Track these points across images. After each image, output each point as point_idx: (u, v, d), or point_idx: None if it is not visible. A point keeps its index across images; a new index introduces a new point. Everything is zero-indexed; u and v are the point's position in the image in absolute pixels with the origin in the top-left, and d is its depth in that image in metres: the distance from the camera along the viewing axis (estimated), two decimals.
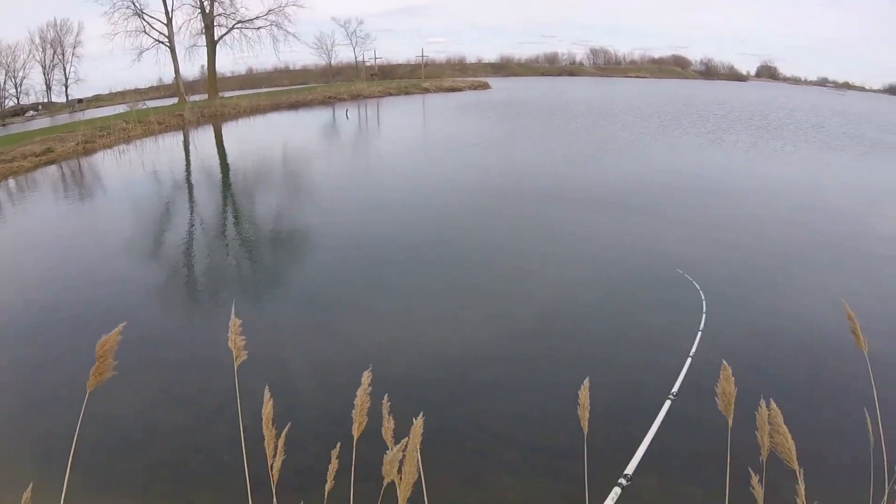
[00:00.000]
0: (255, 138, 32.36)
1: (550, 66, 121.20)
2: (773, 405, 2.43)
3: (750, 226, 12.76)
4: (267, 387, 2.51)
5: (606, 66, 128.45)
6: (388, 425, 2.39)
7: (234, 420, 3.07)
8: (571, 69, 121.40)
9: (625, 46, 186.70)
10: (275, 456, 2.43)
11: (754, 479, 2.35)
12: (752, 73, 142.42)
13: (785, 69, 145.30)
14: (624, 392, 6.14)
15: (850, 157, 23.23)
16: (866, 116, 44.47)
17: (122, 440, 5.56)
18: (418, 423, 2.28)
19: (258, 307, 8.85)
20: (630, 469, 2.75)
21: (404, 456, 2.23)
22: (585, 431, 2.51)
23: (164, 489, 5.02)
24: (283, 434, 2.49)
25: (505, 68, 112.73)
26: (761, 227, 12.78)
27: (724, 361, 2.56)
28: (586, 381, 2.61)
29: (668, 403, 3.34)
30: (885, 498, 3.31)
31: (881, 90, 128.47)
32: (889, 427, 3.21)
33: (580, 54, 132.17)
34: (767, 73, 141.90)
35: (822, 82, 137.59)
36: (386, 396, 2.45)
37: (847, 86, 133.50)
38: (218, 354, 6.28)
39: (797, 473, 2.36)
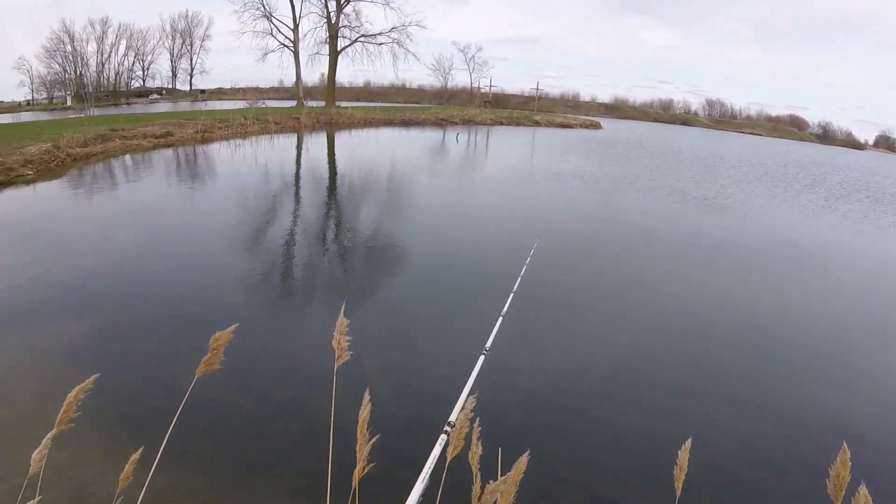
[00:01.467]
0: (365, 149, 32.52)
1: (664, 113, 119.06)
2: (866, 492, 2.17)
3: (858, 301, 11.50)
4: (367, 391, 2.57)
5: (721, 118, 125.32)
6: (476, 451, 2.42)
7: (323, 419, 3.32)
8: (685, 118, 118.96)
9: (741, 100, 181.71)
10: (362, 462, 2.43)
11: None
12: (870, 142, 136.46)
13: None
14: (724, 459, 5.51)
15: None
16: None
17: (209, 424, 5.46)
18: (522, 460, 2.25)
19: (354, 312, 8.14)
20: None
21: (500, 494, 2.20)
22: (678, 494, 2.41)
23: (238, 475, 4.96)
24: (372, 442, 2.47)
25: (618, 110, 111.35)
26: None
27: (843, 443, 2.28)
28: (688, 442, 2.50)
29: None
30: None
31: None
32: None
33: (695, 104, 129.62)
34: (885, 143, 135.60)
35: None
36: (477, 422, 2.46)
37: None
38: (317, 352, 6.68)
39: None
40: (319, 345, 6.78)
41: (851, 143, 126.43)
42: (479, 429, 2.45)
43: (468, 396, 2.56)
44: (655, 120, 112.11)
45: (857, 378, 7.85)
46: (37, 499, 2.35)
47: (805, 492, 5.04)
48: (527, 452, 2.28)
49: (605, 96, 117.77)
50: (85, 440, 4.97)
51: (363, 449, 2.44)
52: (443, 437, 2.36)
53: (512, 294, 5.16)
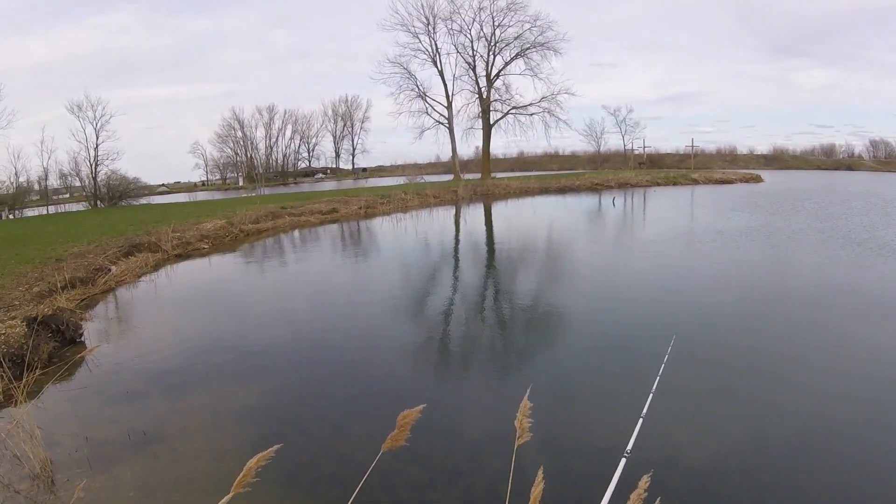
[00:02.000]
0: (522, 218, 32.63)
1: (826, 159, 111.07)
2: None
3: None
4: (542, 468, 2.57)
5: (888, 158, 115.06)
6: None
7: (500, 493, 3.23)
8: (849, 162, 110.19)
9: None
10: None
11: None
12: None
13: None
14: None
15: None
16: None
17: (390, 497, 5.45)
18: None
19: (536, 389, 7.80)
20: None
21: None
22: None
23: None
24: None
25: (778, 160, 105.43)
26: None
27: None
28: None
29: None
30: None
31: None
32: None
33: (858, 146, 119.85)
34: None
35: None
36: (658, 501, 2.52)
37: None
38: (495, 428, 6.56)
39: None
40: (497, 423, 6.68)
41: None
42: None
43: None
44: (818, 167, 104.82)
45: None
46: None
47: None
48: None
49: (763, 147, 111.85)
50: None
51: None
52: None
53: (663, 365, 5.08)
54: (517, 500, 3.05)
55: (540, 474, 2.51)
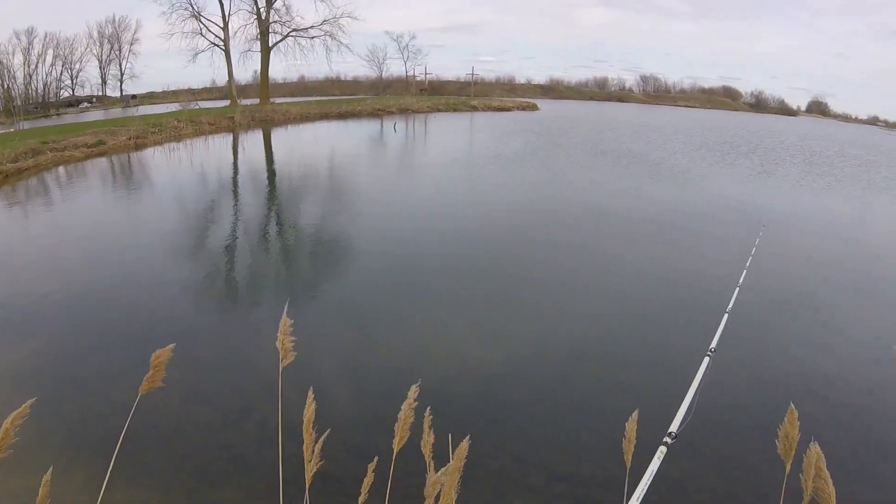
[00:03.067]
0: (302, 145, 32.60)
1: (600, 91, 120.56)
2: (818, 448, 2.27)
3: (792, 258, 12.43)
4: (311, 389, 2.53)
5: (656, 93, 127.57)
6: (428, 440, 2.40)
7: (274, 422, 3.08)
8: (620, 95, 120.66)
9: (675, 74, 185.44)
10: (311, 461, 2.43)
11: None
12: (803, 108, 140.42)
13: (836, 106, 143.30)
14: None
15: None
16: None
17: (159, 438, 5.52)
18: (463, 447, 2.23)
19: (299, 311, 8.50)
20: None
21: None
22: (628, 466, 2.45)
23: (193, 486, 5.04)
24: (321, 440, 2.47)
25: (554, 91, 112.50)
26: (800, 261, 12.45)
27: (791, 404, 2.39)
28: (635, 414, 2.53)
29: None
30: None
31: None
32: None
33: (630, 80, 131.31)
34: (818, 109, 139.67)
35: (873, 121, 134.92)
36: (428, 410, 2.45)
37: None
38: (263, 356, 6.48)
39: None
40: (260, 348, 6.95)
41: (785, 111, 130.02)
42: (431, 418, 2.44)
43: None
44: (591, 98, 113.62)
45: (804, 339, 8.44)
46: None
47: (757, 451, 5.34)
48: (467, 438, 2.24)
49: (540, 78, 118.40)
50: (27, 467, 4.71)
51: (309, 448, 2.43)
52: None
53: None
54: (289, 420, 3.03)
55: (311, 395, 2.52)
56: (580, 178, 21.92)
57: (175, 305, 8.93)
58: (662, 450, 2.63)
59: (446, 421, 2.78)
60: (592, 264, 11.53)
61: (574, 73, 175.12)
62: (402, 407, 2.45)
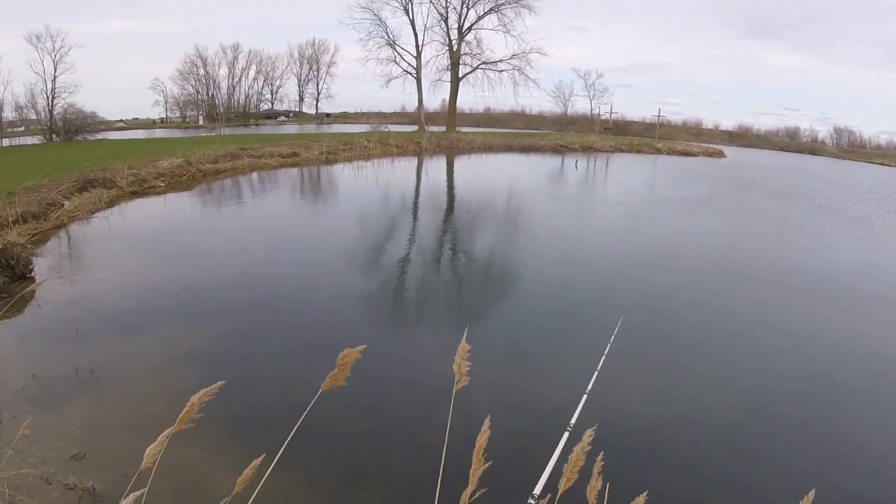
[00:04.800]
0: (484, 173, 32.80)
1: (790, 142, 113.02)
2: None
3: None
4: (489, 417, 2.51)
5: (850, 147, 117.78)
6: (595, 485, 2.35)
7: (433, 441, 3.38)
8: (812, 147, 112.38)
9: (870, 128, 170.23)
10: (475, 486, 2.38)
11: None
12: None
13: None
14: None
15: None
16: None
17: (321, 437, 5.62)
18: (640, 501, 2.23)
19: (476, 338, 8.12)
20: None
21: None
22: None
23: (353, 492, 5.09)
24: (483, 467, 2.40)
25: (742, 137, 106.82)
26: None
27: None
28: (811, 494, 2.29)
29: None
30: None
31: None
32: None
33: (822, 132, 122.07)
34: None
35: None
36: (601, 455, 2.39)
37: None
38: (435, 376, 6.74)
39: None
40: (439, 368, 6.72)
41: None
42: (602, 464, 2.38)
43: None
44: (781, 149, 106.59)
45: None
46: (145, 489, 2.40)
47: None
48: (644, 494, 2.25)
49: (728, 123, 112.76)
50: (203, 442, 5.26)
51: (476, 473, 2.38)
52: None
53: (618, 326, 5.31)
54: (458, 447, 3.04)
55: (487, 423, 2.48)
56: (766, 228, 20.13)
57: (352, 314, 9.15)
58: None
59: (611, 472, 2.64)
60: (771, 332, 10.21)
61: (763, 121, 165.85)
62: (574, 450, 2.39)
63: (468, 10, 53.53)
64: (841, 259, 16.63)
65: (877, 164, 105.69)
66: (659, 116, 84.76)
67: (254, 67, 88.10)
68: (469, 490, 2.34)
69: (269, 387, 6.57)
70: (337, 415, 5.93)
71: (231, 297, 9.47)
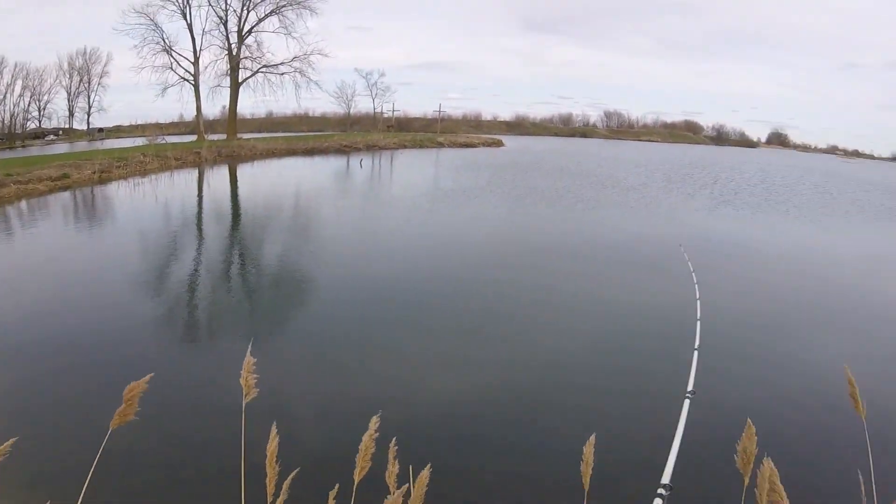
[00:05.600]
0: (268, 181, 32.80)
1: (564, 127, 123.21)
2: (771, 464, 2.37)
3: (750, 286, 13.03)
4: (274, 424, 2.56)
5: (619, 128, 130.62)
6: (393, 470, 2.39)
7: (238, 458, 3.00)
8: (584, 130, 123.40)
9: (638, 110, 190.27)
10: (276, 494, 2.43)
11: None
12: (763, 139, 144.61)
13: (795, 136, 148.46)
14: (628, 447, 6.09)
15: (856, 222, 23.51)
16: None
17: (122, 475, 5.47)
18: (424, 474, 2.29)
19: (266, 347, 8.70)
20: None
21: None
22: (586, 489, 2.50)
23: None
24: (290, 477, 2.50)
25: (519, 127, 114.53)
26: (761, 287, 13.08)
27: (749, 420, 2.52)
28: (592, 438, 2.59)
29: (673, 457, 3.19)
30: None
31: (890, 158, 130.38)
32: (883, 492, 3.19)
33: (594, 116, 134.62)
34: (778, 140, 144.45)
35: (832, 150, 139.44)
36: (394, 441, 2.46)
37: (857, 153, 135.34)
38: (226, 393, 6.16)
39: None
40: (224, 385, 6.62)
41: (745, 143, 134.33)
42: (396, 448, 2.47)
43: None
44: (555, 134, 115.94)
45: (757, 361, 8.97)
46: None
47: (715, 468, 5.31)
48: (428, 466, 2.38)
49: (506, 114, 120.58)
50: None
51: (273, 483, 2.43)
52: None
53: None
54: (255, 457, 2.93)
55: (274, 430, 2.54)
56: (546, 210, 22.72)
57: (138, 341, 8.84)
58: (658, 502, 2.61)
59: (415, 453, 2.76)
60: (560, 297, 11.92)
61: (539, 110, 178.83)
62: (363, 438, 2.47)
63: (248, 12, 52.68)
64: (616, 227, 19.60)
65: (644, 141, 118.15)
66: (440, 111, 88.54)
67: (20, 83, 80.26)
68: (269, 500, 2.41)
69: (58, 434, 6.19)
70: (134, 451, 5.71)
71: (10, 344, 8.66)
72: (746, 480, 2.45)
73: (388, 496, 2.23)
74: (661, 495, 2.64)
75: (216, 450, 5.89)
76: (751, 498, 2.39)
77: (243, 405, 2.68)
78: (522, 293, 12.06)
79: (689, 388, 4.02)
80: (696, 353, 5.02)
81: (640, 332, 10.16)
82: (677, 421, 3.57)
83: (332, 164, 42.26)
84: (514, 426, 6.84)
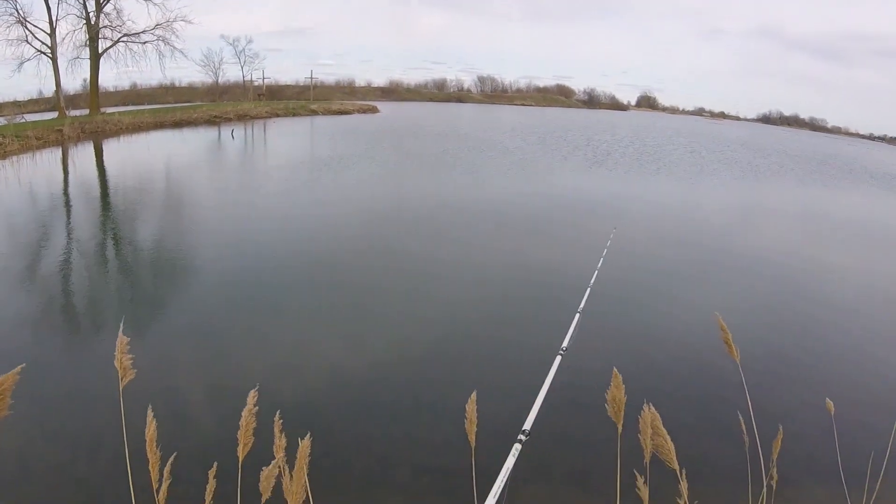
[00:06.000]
0: (137, 157, 32.15)
1: (439, 92, 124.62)
2: (653, 409, 2.53)
3: (625, 245, 13.78)
4: (150, 408, 2.51)
5: (493, 93, 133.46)
6: (280, 443, 2.41)
7: (120, 445, 2.93)
8: (459, 95, 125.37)
9: (511, 75, 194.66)
10: (160, 479, 2.42)
11: (639, 481, 2.51)
12: (633, 102, 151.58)
13: (664, 99, 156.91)
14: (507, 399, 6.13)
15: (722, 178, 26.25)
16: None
17: (15, 482, 5.31)
18: (305, 444, 2.29)
19: (142, 331, 8.60)
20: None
21: (292, 477, 2.26)
22: (473, 445, 2.61)
23: None
24: (169, 457, 2.54)
25: (394, 93, 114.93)
26: (636, 246, 14.30)
27: (615, 369, 2.63)
28: (473, 395, 2.66)
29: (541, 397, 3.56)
30: (763, 496, 3.47)
31: (755, 119, 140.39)
32: (762, 428, 3.42)
33: (468, 81, 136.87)
34: (647, 103, 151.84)
35: (699, 112, 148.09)
36: (278, 414, 2.47)
37: (723, 115, 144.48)
38: (103, 377, 5.82)
39: (678, 474, 2.53)
40: (102, 372, 6.44)
41: (616, 106, 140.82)
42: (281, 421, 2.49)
43: None
44: (430, 100, 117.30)
45: (633, 317, 9.90)
46: None
47: (580, 417, 6.08)
48: (308, 435, 2.41)
49: (380, 81, 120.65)
50: None
51: (156, 469, 2.42)
52: None
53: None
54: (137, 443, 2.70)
55: (150, 413, 2.49)
56: (422, 175, 24.33)
57: (6, 333, 8.50)
58: (517, 447, 2.73)
59: (306, 425, 2.78)
60: (443, 265, 12.51)
61: (414, 76, 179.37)
62: (243, 414, 2.44)
63: None
64: (498, 190, 21.00)
65: (518, 105, 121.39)
66: (312, 78, 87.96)
67: None
68: (155, 486, 2.40)
69: None
70: (17, 448, 5.62)
71: None
72: (620, 427, 2.59)
73: (283, 471, 2.32)
74: (520, 440, 2.75)
75: (98, 439, 5.76)
76: (632, 443, 2.62)
77: (120, 389, 2.58)
78: (405, 262, 12.65)
79: (564, 345, 4.28)
80: (578, 314, 5.32)
81: (523, 297, 10.78)
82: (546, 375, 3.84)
83: (202, 136, 41.92)
84: (401, 392, 7.16)
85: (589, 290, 6.55)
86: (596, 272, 7.47)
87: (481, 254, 13.51)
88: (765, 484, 3.40)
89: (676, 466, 2.49)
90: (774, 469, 3.31)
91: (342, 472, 5.55)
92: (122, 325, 2.76)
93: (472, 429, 2.58)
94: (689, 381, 7.72)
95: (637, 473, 2.48)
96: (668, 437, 2.50)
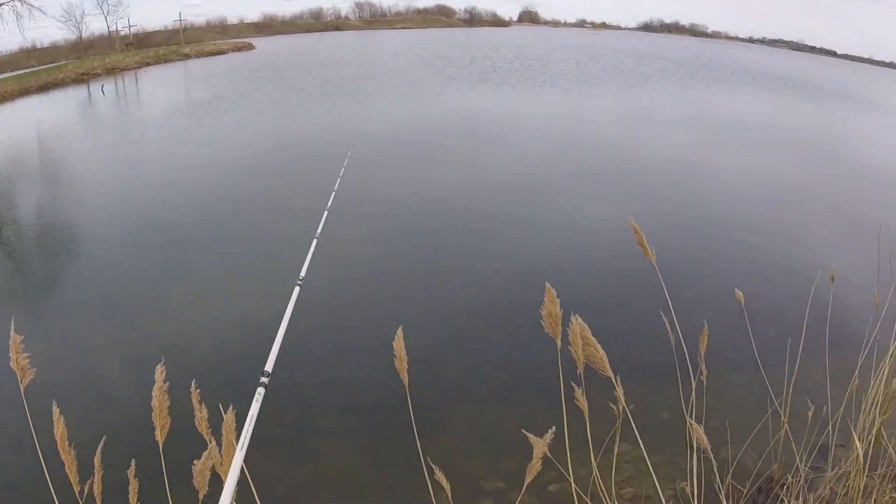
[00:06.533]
0: (2, 131, 29.81)
1: (316, 22, 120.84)
2: (580, 320, 2.52)
3: (528, 155, 14.51)
4: (55, 404, 2.35)
5: (373, 18, 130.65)
6: (202, 415, 2.26)
7: (33, 450, 2.71)
8: (337, 24, 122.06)
9: None
10: (88, 479, 2.33)
11: (578, 392, 2.59)
12: (515, 18, 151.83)
13: (546, 14, 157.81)
14: None
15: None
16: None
17: None
18: (229, 417, 2.10)
19: (38, 319, 8.19)
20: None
21: (221, 456, 2.11)
22: (406, 384, 2.55)
23: None
24: (93, 450, 2.43)
25: (269, 27, 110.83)
26: (538, 156, 14.84)
27: (547, 283, 2.57)
28: (399, 331, 2.57)
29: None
30: (693, 391, 3.53)
31: (636, 28, 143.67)
32: (684, 326, 3.45)
33: (345, 8, 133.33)
34: (529, 18, 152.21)
35: (581, 24, 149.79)
36: (194, 383, 2.29)
37: (605, 25, 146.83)
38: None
39: (613, 380, 2.59)
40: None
41: (498, 23, 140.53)
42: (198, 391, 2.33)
43: None
44: (307, 31, 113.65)
45: (553, 225, 10.23)
46: None
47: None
48: (231, 408, 2.16)
49: (253, 16, 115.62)
50: None
51: (73, 470, 2.30)
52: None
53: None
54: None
55: (57, 411, 2.34)
56: (310, 108, 24.36)
57: None
58: (261, 391, 2.19)
59: (220, 393, 2.71)
60: (339, 201, 11.89)
61: (288, 7, 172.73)
62: (154, 393, 2.28)
63: None
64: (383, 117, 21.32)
65: (399, 28, 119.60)
66: (181, 21, 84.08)
67: None
68: (76, 489, 2.33)
69: None
70: None
71: None
72: (559, 342, 2.55)
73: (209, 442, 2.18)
74: (262, 384, 2.18)
75: (6, 449, 5.37)
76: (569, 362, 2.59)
77: (22, 391, 2.42)
78: (304, 204, 11.60)
79: (301, 275, 3.55)
80: (315, 241, 4.34)
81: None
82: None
83: (71, 96, 39.94)
84: (313, 347, 7.04)
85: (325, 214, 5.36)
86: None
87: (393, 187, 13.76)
88: (694, 379, 3.55)
89: (611, 374, 2.55)
90: (703, 364, 3.44)
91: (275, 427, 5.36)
92: (12, 322, 2.48)
93: (402, 367, 2.58)
94: (611, 289, 8.01)
95: (574, 385, 2.58)
96: (598, 346, 2.54)
